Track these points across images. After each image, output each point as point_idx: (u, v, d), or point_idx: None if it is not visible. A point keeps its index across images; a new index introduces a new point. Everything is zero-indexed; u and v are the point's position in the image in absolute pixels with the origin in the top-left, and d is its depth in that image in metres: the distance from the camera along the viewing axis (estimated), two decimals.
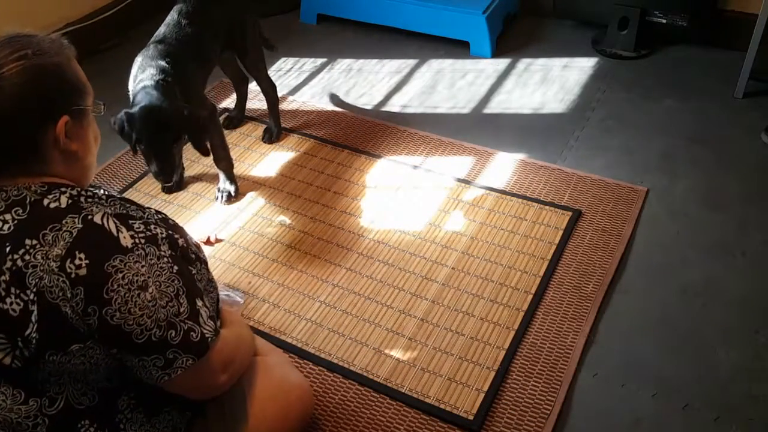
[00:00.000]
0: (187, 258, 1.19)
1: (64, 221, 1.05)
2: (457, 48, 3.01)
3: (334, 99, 2.76)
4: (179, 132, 1.88)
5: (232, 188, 2.26)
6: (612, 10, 2.86)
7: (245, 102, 2.62)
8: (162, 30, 2.08)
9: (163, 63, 1.93)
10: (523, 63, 2.92)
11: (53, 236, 1.04)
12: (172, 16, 2.11)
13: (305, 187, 2.30)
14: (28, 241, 1.04)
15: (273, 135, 2.52)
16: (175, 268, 1.12)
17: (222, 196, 2.25)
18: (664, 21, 2.83)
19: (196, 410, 1.27)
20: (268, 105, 2.51)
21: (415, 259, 2.01)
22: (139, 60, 1.99)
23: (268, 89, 2.46)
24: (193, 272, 1.19)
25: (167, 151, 1.87)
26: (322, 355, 1.75)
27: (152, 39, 2.07)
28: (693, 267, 1.96)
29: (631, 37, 2.87)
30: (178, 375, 1.10)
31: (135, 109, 1.84)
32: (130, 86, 1.98)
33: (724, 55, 2.83)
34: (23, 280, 1.03)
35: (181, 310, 1.10)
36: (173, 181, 1.96)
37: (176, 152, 1.91)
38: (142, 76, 1.92)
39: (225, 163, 2.24)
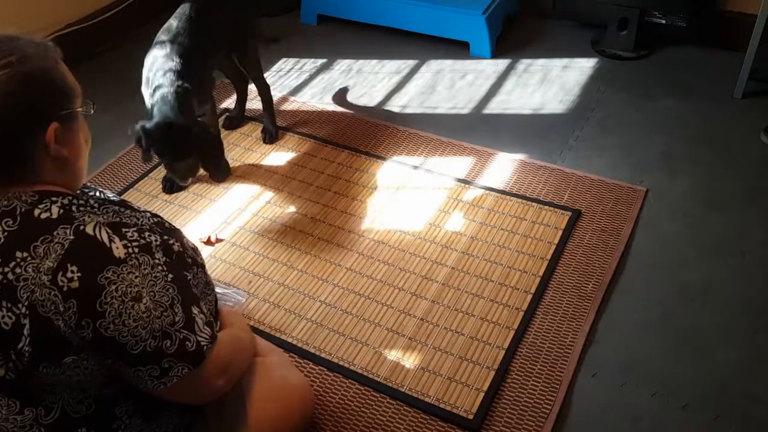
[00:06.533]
0: (183, 263, 1.18)
1: (55, 232, 1.03)
2: (457, 48, 3.01)
3: (335, 99, 2.76)
4: (195, 151, 2.00)
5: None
6: (611, 11, 2.86)
7: (245, 102, 2.62)
8: (173, 31, 2.07)
9: (179, 66, 1.95)
10: (523, 63, 2.92)
11: (45, 248, 1.01)
12: (179, 19, 2.09)
13: (305, 187, 2.30)
14: (18, 254, 1.02)
15: (271, 135, 2.52)
16: (170, 276, 1.10)
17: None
18: (664, 21, 2.83)
19: (196, 412, 1.26)
20: (263, 105, 2.52)
21: (415, 259, 2.01)
22: (155, 61, 1.99)
23: (263, 89, 2.47)
24: (189, 278, 1.17)
25: (183, 163, 2.01)
26: (323, 355, 1.75)
27: (161, 38, 2.06)
28: (693, 267, 1.96)
29: (631, 38, 2.87)
30: (174, 383, 1.09)
31: (152, 124, 1.90)
32: (145, 91, 1.99)
33: (723, 55, 2.83)
34: (14, 294, 1.01)
35: (176, 319, 1.08)
36: (188, 183, 2.14)
37: (192, 162, 2.03)
38: (161, 80, 1.94)
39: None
